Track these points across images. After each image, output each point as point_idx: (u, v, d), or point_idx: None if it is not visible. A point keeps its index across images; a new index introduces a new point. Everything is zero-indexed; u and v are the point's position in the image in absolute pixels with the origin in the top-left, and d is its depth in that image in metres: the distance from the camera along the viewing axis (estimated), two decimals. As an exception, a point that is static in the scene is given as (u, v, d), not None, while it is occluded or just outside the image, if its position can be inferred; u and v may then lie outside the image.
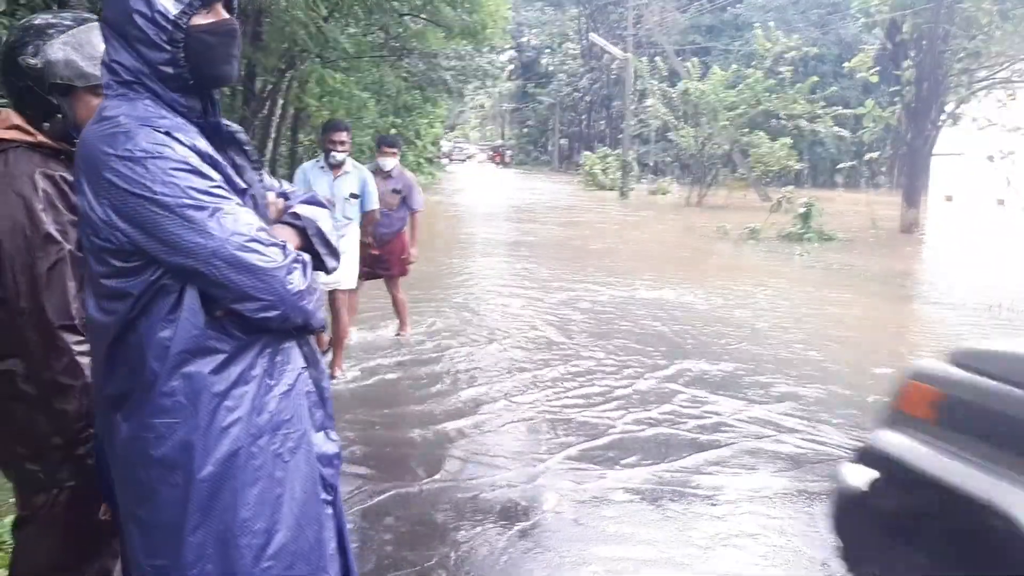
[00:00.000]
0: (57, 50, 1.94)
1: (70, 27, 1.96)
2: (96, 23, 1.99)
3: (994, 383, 1.92)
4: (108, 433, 1.64)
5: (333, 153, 5.84)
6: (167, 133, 1.54)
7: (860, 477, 2.23)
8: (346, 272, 5.91)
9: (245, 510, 1.58)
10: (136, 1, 1.57)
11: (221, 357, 1.59)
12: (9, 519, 3.19)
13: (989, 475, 1.76)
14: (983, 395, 1.94)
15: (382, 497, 4.00)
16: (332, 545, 1.75)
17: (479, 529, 3.70)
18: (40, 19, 1.99)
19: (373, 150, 8.96)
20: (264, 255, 1.57)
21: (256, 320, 1.59)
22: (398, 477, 4.27)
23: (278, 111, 17.94)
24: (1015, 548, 1.53)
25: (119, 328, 1.56)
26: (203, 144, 1.60)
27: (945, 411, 2.03)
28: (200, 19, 1.62)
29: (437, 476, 4.29)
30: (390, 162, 6.69)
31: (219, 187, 1.57)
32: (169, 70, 1.60)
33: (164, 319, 1.55)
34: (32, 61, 1.93)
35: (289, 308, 1.61)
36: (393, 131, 23.87)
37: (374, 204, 6.15)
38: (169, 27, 1.58)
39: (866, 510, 2.21)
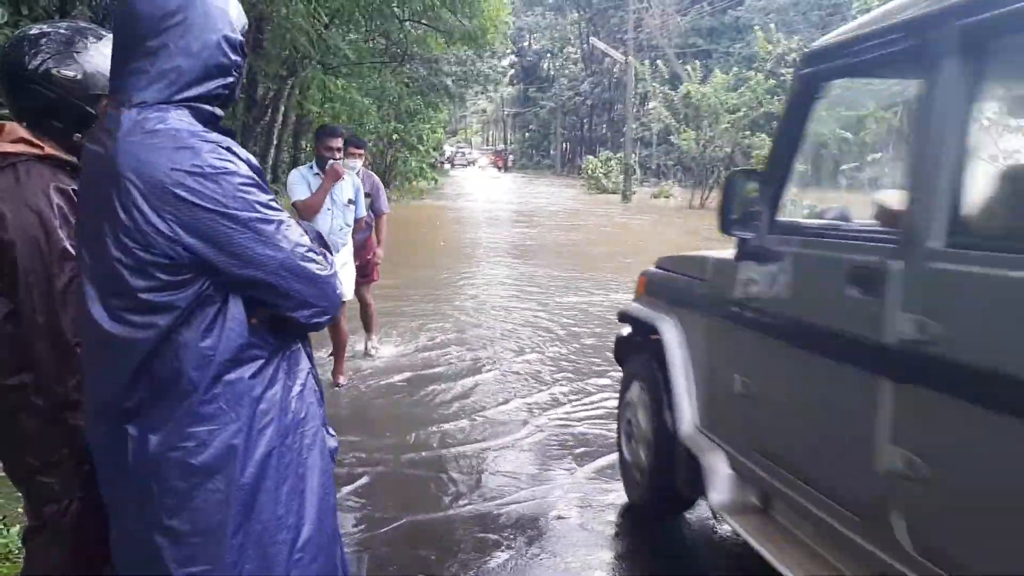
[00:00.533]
0: (92, 61, 1.96)
1: (66, 35, 1.97)
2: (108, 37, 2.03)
3: (660, 271, 3.88)
4: (115, 447, 1.61)
5: (331, 161, 5.52)
6: (228, 148, 1.58)
7: (623, 329, 4.24)
8: (348, 282, 5.86)
9: (280, 507, 1.64)
10: (225, 26, 1.63)
11: (259, 363, 1.64)
12: (15, 529, 3.21)
13: (655, 312, 3.73)
14: (656, 278, 3.89)
15: (387, 511, 4.01)
16: None
17: (485, 536, 3.70)
18: (35, 29, 1.99)
19: (376, 156, 8.76)
20: (319, 264, 1.66)
21: (308, 325, 1.69)
22: (402, 486, 4.27)
23: (280, 118, 18.00)
24: (659, 342, 3.55)
25: (156, 341, 1.55)
26: (252, 159, 1.65)
27: (645, 287, 4.00)
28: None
29: (443, 487, 4.29)
30: (358, 163, 6.15)
31: (274, 200, 1.63)
32: (228, 92, 1.68)
33: (206, 329, 1.57)
34: (69, 73, 1.93)
35: (335, 312, 1.73)
36: (395, 137, 23.87)
37: (363, 211, 5.96)
38: (240, 54, 1.69)
39: (623, 342, 4.24)
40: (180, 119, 1.57)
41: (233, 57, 1.66)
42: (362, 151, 6.36)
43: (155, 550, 1.59)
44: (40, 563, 1.97)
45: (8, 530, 3.27)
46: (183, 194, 1.50)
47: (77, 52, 1.96)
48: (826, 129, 2.56)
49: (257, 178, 1.61)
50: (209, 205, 1.52)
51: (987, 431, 1.83)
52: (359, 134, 23.02)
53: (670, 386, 3.46)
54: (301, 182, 5.60)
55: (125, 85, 1.59)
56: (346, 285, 5.83)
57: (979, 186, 2.25)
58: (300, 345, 1.76)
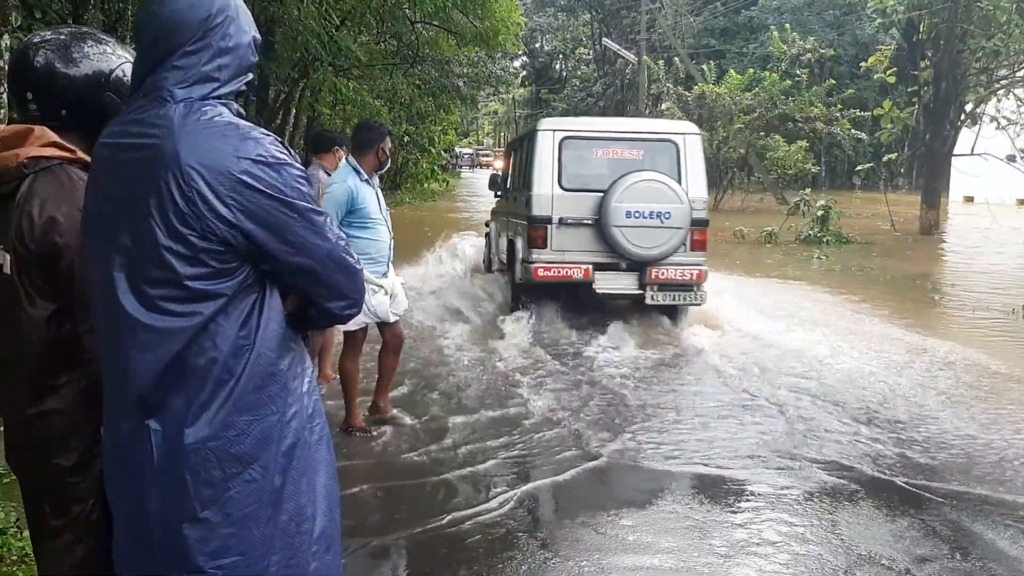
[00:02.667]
0: (102, 63, 2.00)
1: (65, 40, 1.98)
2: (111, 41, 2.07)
3: (495, 208, 10.91)
4: (137, 442, 1.61)
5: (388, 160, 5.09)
6: (282, 143, 1.67)
7: (486, 230, 11.46)
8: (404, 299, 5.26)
9: (302, 498, 1.69)
10: (252, 30, 1.74)
11: (292, 355, 1.70)
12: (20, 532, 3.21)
13: (491, 219, 11.09)
14: (493, 209, 11.17)
15: (394, 511, 3.99)
16: None
17: (498, 539, 3.68)
18: (38, 37, 2.01)
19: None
20: (353, 258, 1.75)
21: (342, 316, 1.78)
22: (410, 478, 4.26)
23: (291, 120, 18.05)
24: (491, 236, 10.93)
25: (196, 331, 1.57)
26: (295, 155, 1.72)
27: (491, 213, 11.27)
28: None
29: (452, 488, 4.28)
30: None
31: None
32: (246, 89, 1.76)
33: (244, 319, 1.61)
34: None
35: (362, 305, 1.83)
36: (407, 139, 23.87)
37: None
38: (258, 53, 1.80)
39: (485, 233, 11.38)
40: (230, 114, 1.65)
41: (254, 57, 1.76)
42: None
43: (182, 543, 1.58)
44: (63, 562, 1.95)
45: (22, 533, 3.28)
46: (249, 180, 1.57)
47: (91, 54, 1.99)
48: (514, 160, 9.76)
49: (306, 172, 1.70)
50: (272, 192, 1.59)
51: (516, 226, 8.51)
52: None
53: (490, 240, 10.78)
54: (347, 196, 4.77)
55: (161, 83, 1.63)
56: (404, 297, 5.20)
57: (513, 176, 9.53)
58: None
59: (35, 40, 2.00)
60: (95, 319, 1.74)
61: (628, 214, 7.63)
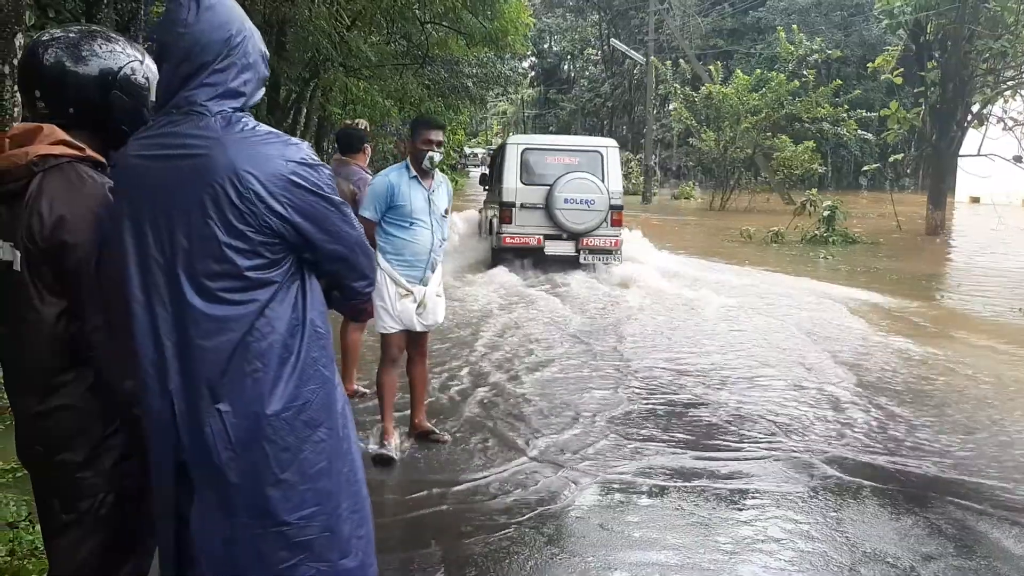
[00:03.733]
0: (152, 69, 2.03)
1: (74, 39, 1.99)
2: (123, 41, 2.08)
3: (485, 199, 14.21)
4: (211, 426, 1.76)
5: (431, 154, 4.66)
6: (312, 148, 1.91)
7: (477, 215, 15.18)
8: (442, 308, 4.91)
9: (353, 451, 1.95)
10: (262, 46, 1.94)
11: (329, 330, 1.93)
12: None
13: (484, 207, 14.08)
14: (485, 200, 14.05)
15: (406, 504, 4.01)
16: None
17: (504, 536, 3.70)
18: (47, 35, 2.02)
19: (398, 157, 8.69)
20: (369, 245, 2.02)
21: (364, 294, 2.05)
22: (420, 476, 4.29)
23: (302, 120, 18.08)
24: (481, 218, 14.62)
25: (255, 315, 1.77)
26: None
27: (484, 203, 13.95)
28: None
29: (460, 483, 4.30)
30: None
31: None
32: (258, 99, 1.95)
33: (293, 302, 1.83)
34: (142, 80, 2.02)
35: (375, 282, 2.08)
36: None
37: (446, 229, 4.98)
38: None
39: (481, 217, 14.35)
40: (263, 124, 1.84)
41: (266, 72, 1.94)
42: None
43: (266, 504, 1.79)
44: (72, 557, 1.97)
45: (33, 527, 3.31)
46: (297, 180, 1.79)
47: (140, 61, 2.02)
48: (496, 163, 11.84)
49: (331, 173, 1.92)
50: (315, 189, 1.82)
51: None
52: (380, 135, 22.96)
53: (481, 221, 13.80)
54: (387, 191, 4.59)
55: (193, 99, 1.79)
56: (440, 311, 4.85)
57: (493, 175, 12.79)
58: None
59: (44, 38, 2.00)
60: (134, 320, 1.79)
61: (566, 200, 11.26)
